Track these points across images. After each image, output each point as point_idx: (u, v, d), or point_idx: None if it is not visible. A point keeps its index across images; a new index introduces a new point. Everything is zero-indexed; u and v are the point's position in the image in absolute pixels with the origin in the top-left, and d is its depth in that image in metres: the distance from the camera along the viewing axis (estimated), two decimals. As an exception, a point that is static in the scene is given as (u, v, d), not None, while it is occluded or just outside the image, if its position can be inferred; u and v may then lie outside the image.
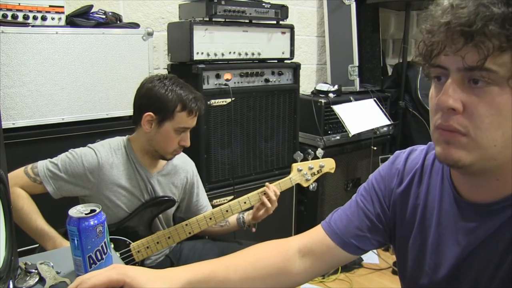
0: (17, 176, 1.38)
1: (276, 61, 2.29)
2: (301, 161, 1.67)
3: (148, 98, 1.45)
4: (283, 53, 2.29)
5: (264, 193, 1.58)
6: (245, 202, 1.60)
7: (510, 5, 0.58)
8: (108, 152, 1.47)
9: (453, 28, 0.61)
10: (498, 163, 0.65)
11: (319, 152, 1.68)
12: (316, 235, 0.91)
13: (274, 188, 1.60)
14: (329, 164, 1.72)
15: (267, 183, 1.61)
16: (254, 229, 1.70)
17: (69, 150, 1.45)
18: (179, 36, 2.05)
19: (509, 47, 0.58)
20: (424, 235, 0.82)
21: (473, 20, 0.59)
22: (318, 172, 1.70)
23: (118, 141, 1.52)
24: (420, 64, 0.69)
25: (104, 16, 1.83)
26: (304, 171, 1.67)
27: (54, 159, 1.43)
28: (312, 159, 1.68)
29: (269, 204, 1.57)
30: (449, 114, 0.64)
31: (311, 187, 1.70)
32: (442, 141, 0.67)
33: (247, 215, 1.67)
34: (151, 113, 1.44)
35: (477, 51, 0.59)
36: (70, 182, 1.42)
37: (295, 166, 1.67)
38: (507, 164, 0.66)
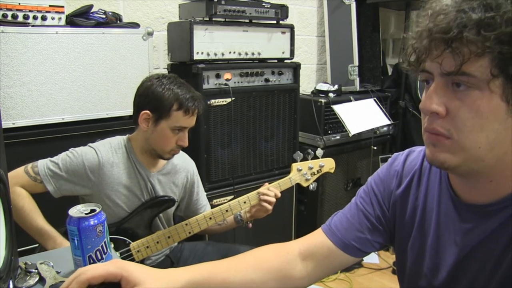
0: (17, 175, 1.38)
1: (276, 61, 2.29)
2: (301, 161, 1.67)
3: (146, 97, 1.45)
4: (283, 52, 2.29)
5: (263, 195, 1.58)
6: (244, 202, 1.60)
7: (488, 10, 0.59)
8: (108, 151, 1.47)
9: (434, 35, 0.62)
10: (487, 164, 0.66)
11: (319, 152, 1.68)
12: (317, 238, 0.91)
13: (275, 191, 1.59)
14: (329, 164, 1.72)
15: (264, 185, 1.61)
16: (250, 225, 1.70)
17: (70, 149, 1.45)
18: (179, 36, 2.05)
19: (485, 52, 0.59)
20: (423, 236, 0.82)
21: (450, 27, 0.60)
22: (318, 172, 1.69)
23: (118, 140, 1.52)
24: (408, 70, 0.70)
25: (104, 16, 1.83)
26: (304, 171, 1.67)
27: (54, 158, 1.43)
28: (312, 159, 1.68)
29: (269, 207, 1.57)
30: (433, 117, 0.66)
31: (311, 187, 1.70)
32: (429, 144, 0.69)
33: (244, 213, 1.67)
34: (147, 111, 1.44)
35: (453, 57, 0.61)
36: (71, 181, 1.42)
37: (294, 166, 1.67)
38: (498, 165, 0.67)
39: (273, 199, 1.57)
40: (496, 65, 0.59)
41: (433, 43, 0.63)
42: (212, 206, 1.76)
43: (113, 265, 0.73)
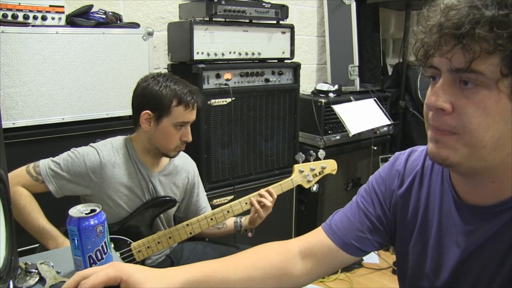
0: (18, 175, 1.38)
1: (276, 61, 2.29)
2: (303, 162, 1.66)
3: (144, 97, 1.45)
4: (283, 53, 2.29)
5: (259, 196, 1.58)
6: (246, 203, 1.60)
7: (502, 8, 0.58)
8: (110, 152, 1.47)
9: (444, 30, 0.61)
10: (489, 164, 0.66)
11: (321, 153, 1.68)
12: (317, 236, 0.91)
13: (272, 194, 1.59)
14: (330, 166, 1.71)
15: (262, 190, 1.60)
16: (250, 234, 1.69)
17: (71, 149, 1.45)
18: (179, 36, 2.05)
19: (497, 50, 0.58)
20: (425, 237, 0.82)
21: (462, 22, 0.59)
22: (319, 173, 1.69)
23: (119, 141, 1.52)
24: (415, 65, 0.70)
25: (104, 16, 1.83)
26: (306, 172, 1.66)
27: (56, 158, 1.43)
28: (313, 160, 1.67)
29: (258, 207, 1.56)
30: (438, 114, 0.66)
31: (313, 188, 1.69)
32: (433, 139, 0.68)
33: (244, 219, 1.67)
34: (148, 111, 1.44)
35: (463, 53, 0.60)
36: (72, 181, 1.42)
37: (296, 167, 1.67)
38: (501, 166, 0.66)
39: (268, 203, 1.57)
40: (507, 64, 0.59)
41: (443, 38, 0.62)
42: (212, 206, 1.76)
43: (113, 269, 0.73)
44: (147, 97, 1.44)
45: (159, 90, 1.43)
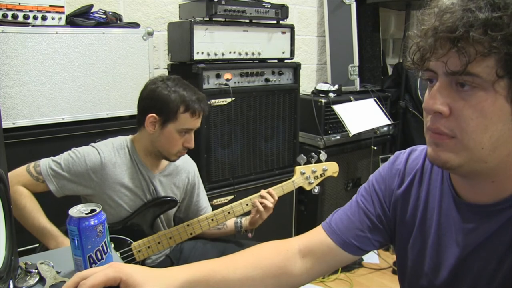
0: (19, 175, 1.38)
1: (276, 60, 2.29)
2: (304, 164, 1.66)
3: (151, 99, 1.45)
4: (283, 52, 2.29)
5: (261, 198, 1.58)
6: (247, 204, 1.60)
7: (495, 10, 0.58)
8: (111, 152, 1.47)
9: (439, 33, 0.62)
10: (489, 165, 0.66)
11: (323, 155, 1.67)
12: (317, 235, 0.91)
13: (273, 195, 1.59)
14: (332, 168, 1.71)
15: (263, 191, 1.60)
16: (250, 235, 1.69)
17: (72, 149, 1.45)
18: (179, 36, 2.05)
19: (492, 52, 0.58)
20: (424, 236, 0.82)
21: (456, 26, 0.59)
22: (321, 175, 1.69)
23: (121, 141, 1.52)
24: (412, 68, 0.70)
25: (104, 16, 1.83)
26: (307, 174, 1.66)
27: (56, 158, 1.43)
28: (315, 162, 1.67)
29: (261, 209, 1.56)
30: (436, 117, 0.66)
31: (314, 190, 1.69)
32: (432, 143, 0.69)
33: (245, 220, 1.67)
34: (154, 114, 1.44)
35: (459, 56, 0.60)
36: (73, 181, 1.42)
37: (298, 169, 1.66)
38: (500, 166, 0.66)
39: (270, 204, 1.56)
40: (502, 66, 0.59)
41: (438, 42, 0.62)
42: (213, 206, 1.76)
43: (112, 270, 0.73)
44: (154, 100, 1.44)
45: (168, 94, 1.43)
